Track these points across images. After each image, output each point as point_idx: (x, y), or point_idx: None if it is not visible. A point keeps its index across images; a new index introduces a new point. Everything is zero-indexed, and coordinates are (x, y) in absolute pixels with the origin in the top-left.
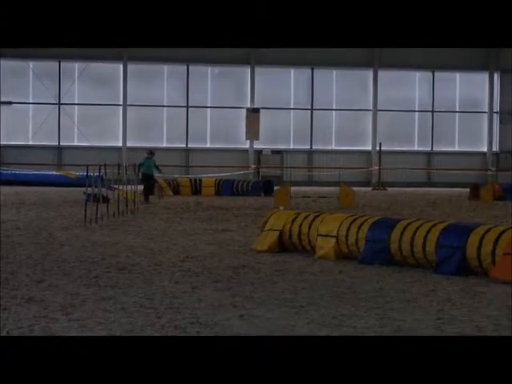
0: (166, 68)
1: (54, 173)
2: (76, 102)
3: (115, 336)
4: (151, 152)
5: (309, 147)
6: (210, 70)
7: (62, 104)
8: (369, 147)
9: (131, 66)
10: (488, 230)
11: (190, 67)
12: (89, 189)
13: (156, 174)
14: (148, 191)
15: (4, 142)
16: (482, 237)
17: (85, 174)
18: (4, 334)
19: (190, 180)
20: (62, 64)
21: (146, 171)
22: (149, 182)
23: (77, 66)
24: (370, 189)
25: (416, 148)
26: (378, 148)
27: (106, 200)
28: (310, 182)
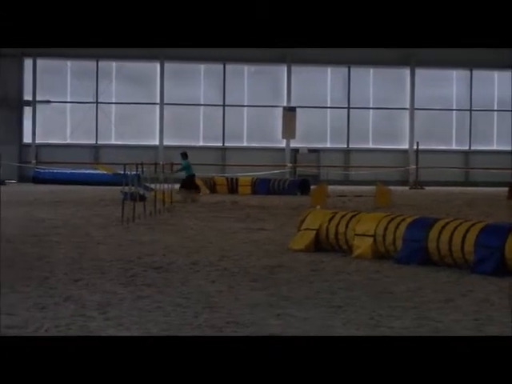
0: (202, 67)
1: (91, 171)
2: (113, 101)
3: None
4: (185, 154)
5: (345, 146)
6: (246, 69)
7: (100, 103)
8: (406, 146)
9: (168, 65)
10: None
11: (227, 66)
12: (125, 187)
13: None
14: (189, 190)
15: (41, 141)
16: None
17: (122, 172)
18: (42, 332)
19: (227, 179)
20: (99, 63)
21: (189, 172)
22: (191, 183)
23: (114, 65)
24: (407, 188)
25: (454, 147)
26: (415, 147)
27: (142, 198)
28: (346, 181)
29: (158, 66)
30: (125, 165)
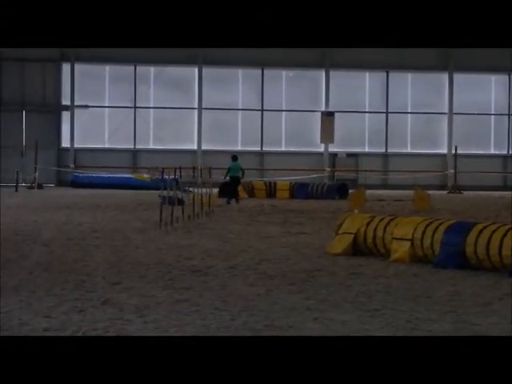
0: (240, 72)
1: (130, 175)
2: (151, 106)
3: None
4: (235, 156)
5: (384, 150)
6: (284, 74)
7: (138, 107)
8: (444, 150)
9: (206, 70)
10: None
11: (265, 71)
12: (164, 191)
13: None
14: (232, 193)
15: (80, 145)
16: None
17: (160, 176)
18: (80, 334)
19: (265, 183)
20: (137, 68)
21: (234, 174)
22: (235, 185)
23: (152, 69)
24: (445, 192)
25: (492, 151)
26: (453, 151)
27: (181, 202)
28: (384, 186)
29: (196, 70)
30: (163, 169)
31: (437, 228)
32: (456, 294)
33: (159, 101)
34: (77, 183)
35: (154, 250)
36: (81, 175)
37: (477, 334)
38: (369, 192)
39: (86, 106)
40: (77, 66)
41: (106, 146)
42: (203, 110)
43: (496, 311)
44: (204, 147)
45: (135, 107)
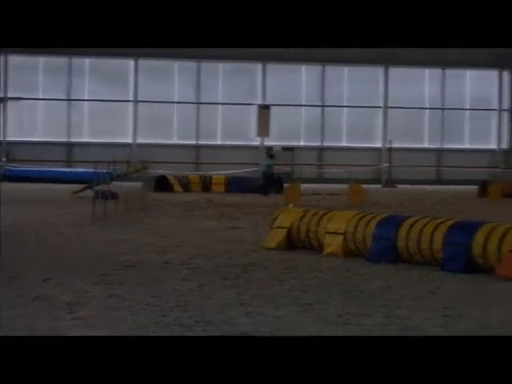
0: (176, 64)
1: (64, 169)
2: (86, 98)
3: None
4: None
5: (319, 144)
6: (221, 67)
7: (72, 100)
8: (379, 144)
9: (142, 62)
10: (494, 228)
11: (202, 64)
12: (98, 186)
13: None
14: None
15: (13, 138)
16: (488, 234)
17: (94, 170)
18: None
19: (200, 177)
20: (72, 60)
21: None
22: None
23: (87, 61)
24: (380, 186)
25: (426, 145)
26: (388, 145)
27: (114, 197)
28: (320, 180)
29: (132, 62)
30: (97, 163)
31: (369, 222)
32: (388, 288)
33: (94, 93)
34: (8, 177)
35: (87, 245)
36: (13, 169)
37: (407, 327)
38: (304, 186)
39: (20, 98)
40: (10, 58)
41: (40, 139)
42: (139, 103)
43: (427, 305)
44: (139, 140)
45: (69, 100)
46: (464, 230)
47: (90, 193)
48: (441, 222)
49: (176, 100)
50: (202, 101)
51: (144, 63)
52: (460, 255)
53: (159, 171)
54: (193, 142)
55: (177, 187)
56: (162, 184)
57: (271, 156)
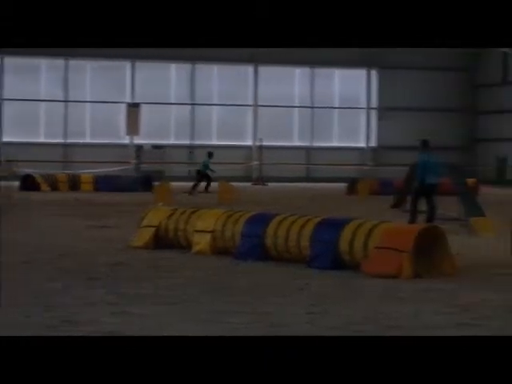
0: (43, 62)
1: None
2: None
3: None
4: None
5: (190, 142)
6: (89, 65)
7: None
8: (249, 142)
9: (8, 60)
10: (360, 225)
11: (70, 61)
12: None
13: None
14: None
15: None
16: (355, 231)
17: None
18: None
19: (68, 176)
20: None
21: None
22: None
23: None
24: (250, 184)
25: (296, 143)
26: (258, 143)
27: None
28: (191, 178)
29: None
30: None
31: (238, 220)
32: (255, 286)
33: None
34: None
35: None
36: None
37: (274, 325)
38: (176, 184)
39: None
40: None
41: None
42: (5, 101)
43: (295, 302)
44: (5, 139)
45: None
46: (331, 227)
47: None
48: (308, 220)
49: (43, 98)
50: (70, 99)
51: (10, 61)
52: (327, 252)
53: (26, 170)
54: (61, 140)
55: (44, 186)
56: (29, 183)
57: (210, 155)
